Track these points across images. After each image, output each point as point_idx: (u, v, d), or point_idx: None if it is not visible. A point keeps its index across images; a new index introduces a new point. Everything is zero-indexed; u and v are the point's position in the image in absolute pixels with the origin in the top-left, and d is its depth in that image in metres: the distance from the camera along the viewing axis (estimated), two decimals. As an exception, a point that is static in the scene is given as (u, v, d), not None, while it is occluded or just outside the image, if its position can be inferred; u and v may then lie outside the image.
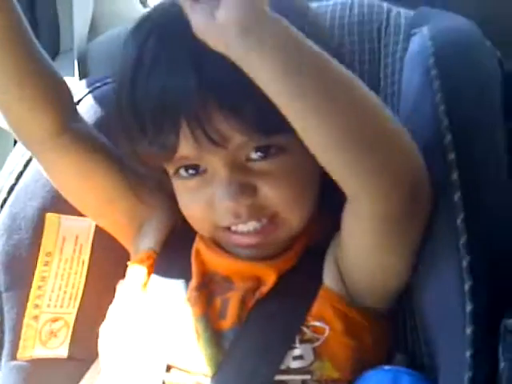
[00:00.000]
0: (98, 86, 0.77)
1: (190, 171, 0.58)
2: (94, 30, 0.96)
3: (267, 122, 0.52)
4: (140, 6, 1.15)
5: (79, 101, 0.75)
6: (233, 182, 0.56)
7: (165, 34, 0.55)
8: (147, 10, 1.22)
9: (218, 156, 0.56)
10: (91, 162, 0.65)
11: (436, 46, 0.59)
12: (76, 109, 0.67)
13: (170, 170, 0.60)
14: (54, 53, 0.98)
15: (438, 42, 0.59)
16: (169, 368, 0.58)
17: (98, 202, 0.68)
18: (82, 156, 0.64)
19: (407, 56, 0.66)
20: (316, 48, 0.48)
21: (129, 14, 1.02)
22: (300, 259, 0.62)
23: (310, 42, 0.48)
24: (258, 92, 0.48)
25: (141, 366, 0.59)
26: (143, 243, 0.68)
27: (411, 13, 0.73)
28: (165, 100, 0.54)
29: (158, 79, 0.54)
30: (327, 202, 0.60)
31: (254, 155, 0.56)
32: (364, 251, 0.57)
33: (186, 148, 0.55)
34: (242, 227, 0.59)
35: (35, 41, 0.61)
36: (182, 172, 0.59)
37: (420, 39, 0.63)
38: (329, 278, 0.60)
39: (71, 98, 0.66)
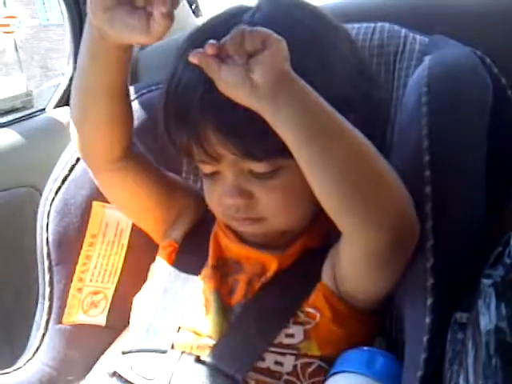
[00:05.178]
0: (144, 93, 0.88)
1: (209, 171, 0.69)
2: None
3: (253, 151, 0.62)
4: (193, 17, 1.23)
5: (127, 105, 0.86)
6: (234, 185, 0.67)
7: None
8: (200, 20, 1.30)
9: (226, 164, 0.66)
10: (138, 182, 0.76)
11: (430, 76, 0.66)
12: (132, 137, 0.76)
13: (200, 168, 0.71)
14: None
15: (433, 73, 0.67)
16: (179, 329, 0.69)
17: (139, 210, 0.80)
18: (132, 176, 0.75)
19: (410, 81, 0.74)
20: (324, 103, 0.57)
21: (180, 24, 1.11)
22: (302, 256, 0.71)
23: (320, 98, 0.57)
24: (250, 127, 0.59)
25: (158, 324, 0.70)
26: (171, 236, 0.80)
27: (426, 40, 0.80)
28: (181, 122, 0.65)
29: (177, 102, 0.65)
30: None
31: (257, 169, 0.66)
32: (356, 274, 0.66)
33: (197, 155, 0.66)
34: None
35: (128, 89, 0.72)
36: (205, 171, 0.69)
37: (421, 67, 0.70)
38: (326, 277, 0.69)
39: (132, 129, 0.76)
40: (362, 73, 0.68)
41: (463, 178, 0.63)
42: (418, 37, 0.81)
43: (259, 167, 0.65)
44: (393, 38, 0.82)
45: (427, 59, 0.71)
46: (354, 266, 0.65)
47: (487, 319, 0.51)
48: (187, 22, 1.18)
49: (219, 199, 0.69)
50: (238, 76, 0.56)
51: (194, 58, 0.57)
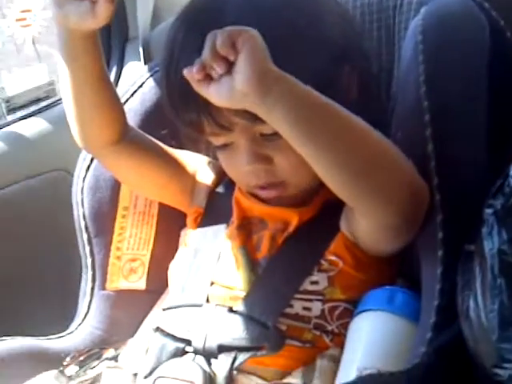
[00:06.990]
0: (157, 70, 0.90)
1: (221, 143, 0.72)
2: (156, 18, 1.07)
3: None
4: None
5: (143, 83, 0.90)
6: (250, 151, 0.70)
7: (191, 29, 0.66)
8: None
9: (238, 132, 0.69)
10: (142, 160, 0.81)
11: (424, 25, 0.69)
12: (127, 121, 0.81)
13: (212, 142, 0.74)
14: (124, 40, 1.09)
15: (427, 21, 0.69)
16: (212, 283, 0.75)
17: (154, 188, 0.85)
18: (131, 158, 0.81)
19: (408, 31, 0.75)
20: (313, 92, 0.57)
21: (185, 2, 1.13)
22: (323, 209, 0.75)
23: (308, 88, 0.57)
24: None
25: (193, 282, 0.76)
26: (195, 202, 0.85)
27: (423, -9, 0.83)
28: (187, 100, 0.66)
29: (180, 81, 0.61)
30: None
31: (267, 130, 0.67)
32: (373, 241, 0.70)
33: (209, 127, 0.69)
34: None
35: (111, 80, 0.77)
36: (217, 144, 0.73)
37: (417, 18, 0.73)
38: (344, 227, 0.73)
39: (125, 113, 0.81)
40: (351, 26, 0.72)
41: (463, 121, 0.66)
42: (415, -11, 0.82)
43: (269, 128, 0.65)
44: None
45: (423, 9, 0.73)
46: (370, 236, 0.69)
47: (490, 244, 0.55)
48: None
49: (238, 168, 0.73)
50: (224, 91, 0.56)
51: (187, 75, 0.57)
